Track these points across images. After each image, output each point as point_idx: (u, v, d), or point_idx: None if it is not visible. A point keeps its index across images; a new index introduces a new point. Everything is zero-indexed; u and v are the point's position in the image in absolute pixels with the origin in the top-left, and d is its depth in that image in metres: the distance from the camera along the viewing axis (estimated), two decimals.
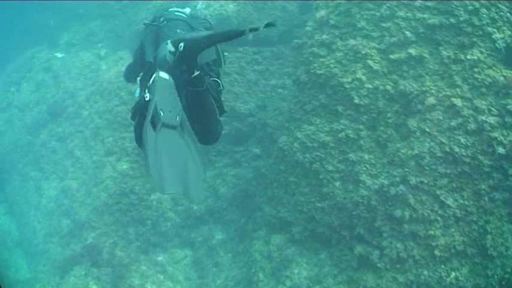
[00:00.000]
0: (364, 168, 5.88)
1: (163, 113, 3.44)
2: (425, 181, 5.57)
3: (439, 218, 5.53)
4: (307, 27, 6.71)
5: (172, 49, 3.62)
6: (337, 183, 6.06)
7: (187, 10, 5.16)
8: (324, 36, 6.36)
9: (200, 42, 3.54)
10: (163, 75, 3.76)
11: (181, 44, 3.52)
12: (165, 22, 4.63)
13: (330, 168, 6.07)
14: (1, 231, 12.04)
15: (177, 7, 5.20)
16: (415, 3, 5.88)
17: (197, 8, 8.65)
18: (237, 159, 8.38)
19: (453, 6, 5.67)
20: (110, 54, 11.83)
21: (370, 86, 5.86)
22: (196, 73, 3.66)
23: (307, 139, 6.26)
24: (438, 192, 5.53)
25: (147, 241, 8.66)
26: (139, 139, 3.83)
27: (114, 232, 8.78)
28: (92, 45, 12.53)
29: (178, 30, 4.46)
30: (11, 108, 13.20)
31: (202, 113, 3.87)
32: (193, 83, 3.71)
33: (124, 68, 5.05)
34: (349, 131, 5.96)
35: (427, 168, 5.57)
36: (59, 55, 13.07)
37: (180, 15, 4.76)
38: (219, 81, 4.21)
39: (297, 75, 6.63)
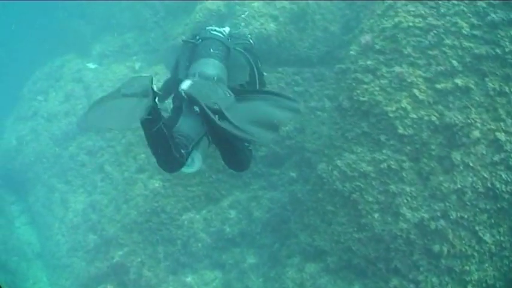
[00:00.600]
0: (405, 201, 6.10)
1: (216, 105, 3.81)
2: (466, 216, 5.79)
3: (475, 254, 5.75)
4: (351, 52, 6.93)
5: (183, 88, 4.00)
6: (376, 215, 6.30)
7: (227, 29, 5.44)
8: (369, 62, 6.56)
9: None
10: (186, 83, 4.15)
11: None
12: (200, 41, 4.97)
13: (370, 199, 6.31)
14: (21, 241, 12.46)
15: (216, 26, 5.54)
16: (462, 31, 6.08)
17: (243, 16, 8.96)
18: (273, 182, 8.68)
19: (499, 36, 5.88)
20: (144, 68, 12.18)
21: (415, 116, 6.07)
22: (213, 115, 3.88)
23: (347, 168, 6.50)
24: (477, 227, 5.75)
25: (177, 261, 8.97)
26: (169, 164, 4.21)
27: (143, 250, 9.10)
28: (125, 58, 12.94)
29: (211, 50, 4.80)
30: (37, 117, 13.57)
31: (224, 144, 4.17)
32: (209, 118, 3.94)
33: (160, 84, 5.34)
34: (392, 162, 6.18)
35: (468, 203, 5.78)
36: (91, 66, 13.46)
37: (216, 35, 5.04)
38: None
39: (339, 101, 6.85)
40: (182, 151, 4.27)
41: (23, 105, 14.30)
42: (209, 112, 3.84)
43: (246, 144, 4.38)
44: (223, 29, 5.43)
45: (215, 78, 4.48)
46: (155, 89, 3.95)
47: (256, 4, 9.23)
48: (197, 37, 5.16)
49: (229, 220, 8.78)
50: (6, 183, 13.76)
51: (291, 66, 9.09)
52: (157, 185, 9.20)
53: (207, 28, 5.31)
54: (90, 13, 14.18)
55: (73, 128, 12.14)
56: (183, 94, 4.03)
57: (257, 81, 5.18)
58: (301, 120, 8.72)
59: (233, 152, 4.28)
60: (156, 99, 3.95)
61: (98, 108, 3.89)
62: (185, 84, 4.17)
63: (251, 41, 5.77)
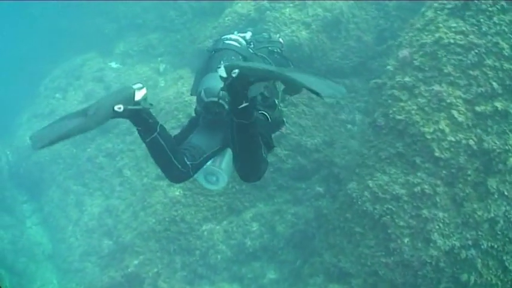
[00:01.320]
0: (437, 227, 6.15)
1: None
2: (496, 246, 5.87)
3: (499, 283, 5.85)
4: (389, 67, 6.99)
5: (224, 75, 3.62)
6: (406, 240, 6.35)
7: (247, 35, 5.21)
8: (407, 79, 6.60)
9: (257, 72, 3.61)
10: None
11: (236, 71, 3.53)
12: (213, 52, 4.73)
13: (401, 223, 6.36)
14: (31, 242, 12.68)
15: (238, 31, 5.36)
16: (504, 52, 6.13)
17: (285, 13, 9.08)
18: (298, 196, 8.77)
19: None
20: (169, 71, 12.40)
21: (452, 139, 6.14)
22: (244, 104, 3.70)
23: (379, 189, 6.56)
24: (504, 257, 5.84)
25: (194, 272, 9.09)
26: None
27: (159, 259, 9.24)
28: (150, 59, 13.14)
29: (222, 63, 4.27)
30: (54, 116, 13.48)
31: (246, 147, 3.97)
32: (239, 114, 3.78)
33: (184, 89, 5.26)
34: (426, 186, 6.22)
35: (499, 232, 5.87)
36: (114, 65, 13.69)
37: (229, 44, 4.77)
38: (267, 115, 4.41)
39: (373, 118, 6.93)
40: (188, 162, 4.17)
41: (40, 103, 14.52)
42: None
43: (264, 154, 4.32)
44: (244, 34, 5.23)
45: (221, 93, 4.14)
46: (141, 97, 3.81)
47: (287, 10, 9.38)
48: (211, 49, 4.91)
49: (251, 233, 8.89)
50: (18, 182, 13.97)
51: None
52: (177, 193, 9.34)
53: (222, 37, 5.05)
54: (114, 11, 14.34)
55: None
56: (226, 76, 3.94)
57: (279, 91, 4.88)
58: (331, 133, 8.83)
59: (250, 155, 4.10)
60: (143, 106, 3.83)
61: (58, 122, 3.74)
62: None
63: (280, 40, 5.56)
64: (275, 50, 5.20)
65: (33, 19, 15.68)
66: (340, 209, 7.31)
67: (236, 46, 4.71)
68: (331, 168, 8.59)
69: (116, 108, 3.58)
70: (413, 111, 6.43)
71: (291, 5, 9.50)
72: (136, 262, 9.37)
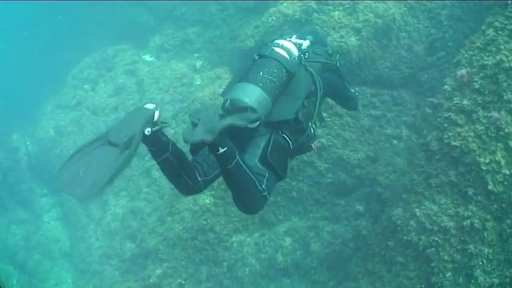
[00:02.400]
0: (480, 263, 6.21)
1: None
2: None
3: None
4: (446, 86, 6.95)
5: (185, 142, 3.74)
6: (448, 274, 6.40)
7: (305, 43, 5.06)
8: (465, 102, 6.57)
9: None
10: None
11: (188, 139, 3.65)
12: (258, 57, 4.62)
13: (445, 257, 6.39)
14: (48, 238, 13.08)
15: (296, 34, 5.26)
16: None
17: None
18: (336, 213, 8.85)
19: None
20: (206, 69, 12.51)
21: (507, 172, 6.17)
22: (222, 150, 3.77)
23: (427, 219, 6.56)
24: None
25: (220, 284, 9.24)
26: None
27: (184, 268, 9.40)
28: (186, 54, 13.29)
29: (261, 74, 4.38)
30: (81, 108, 14.09)
31: (234, 186, 4.10)
32: (219, 158, 3.86)
33: (221, 90, 5.02)
34: (476, 220, 6.26)
35: None
36: (148, 58, 13.91)
37: (277, 54, 4.59)
38: (289, 141, 4.41)
39: (426, 141, 6.93)
40: (199, 179, 4.24)
41: (66, 93, 14.85)
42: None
43: (260, 188, 4.07)
44: (301, 41, 5.08)
45: (249, 108, 4.09)
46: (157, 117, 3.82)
47: (336, 13, 9.45)
48: (257, 53, 4.76)
49: (283, 248, 9.00)
50: (38, 174, 14.36)
51: (369, 87, 9.29)
52: (208, 201, 9.46)
53: (275, 41, 4.89)
54: (152, 1, 14.49)
55: None
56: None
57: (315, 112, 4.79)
58: (375, 148, 8.90)
59: (240, 192, 4.15)
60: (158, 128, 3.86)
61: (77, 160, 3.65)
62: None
63: (337, 60, 5.31)
64: (331, 67, 5.12)
65: (65, 4, 15.84)
66: (382, 235, 7.34)
67: (283, 58, 4.56)
68: (373, 187, 8.63)
69: (146, 132, 3.66)
70: (470, 139, 6.43)
71: (340, 8, 9.55)
72: (159, 272, 9.55)
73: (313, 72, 4.76)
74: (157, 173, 10.99)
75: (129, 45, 14.65)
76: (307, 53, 4.93)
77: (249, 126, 4.09)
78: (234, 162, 3.86)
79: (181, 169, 4.11)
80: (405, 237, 6.74)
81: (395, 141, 8.96)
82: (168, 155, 3.98)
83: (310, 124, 4.66)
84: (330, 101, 5.87)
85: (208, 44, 13.02)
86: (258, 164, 4.24)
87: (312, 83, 4.74)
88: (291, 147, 4.44)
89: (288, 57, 4.61)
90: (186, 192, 4.31)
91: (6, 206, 13.55)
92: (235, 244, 9.28)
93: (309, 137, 4.70)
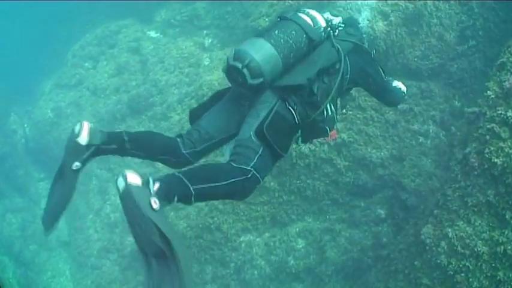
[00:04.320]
0: None
1: None
2: None
3: None
4: (489, 92, 6.47)
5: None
6: None
7: (336, 20, 4.77)
8: (509, 113, 6.14)
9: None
10: None
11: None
12: (279, 20, 4.45)
13: (475, 284, 6.08)
14: None
15: (328, 13, 4.91)
16: None
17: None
18: (355, 216, 8.47)
19: None
20: (215, 47, 12.09)
21: None
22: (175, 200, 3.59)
23: (459, 242, 6.23)
24: None
25: (226, 286, 9.05)
26: None
27: None
28: (195, 31, 12.84)
29: (276, 32, 4.19)
30: (81, 88, 13.83)
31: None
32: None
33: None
34: (509, 247, 5.95)
35: None
36: (153, 34, 13.52)
37: (300, 18, 4.36)
38: (295, 115, 4.13)
39: (464, 154, 6.53)
40: (184, 151, 4.15)
41: (66, 72, 14.59)
42: None
43: (247, 168, 3.84)
44: (330, 16, 4.76)
45: (249, 63, 3.89)
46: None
47: None
48: (279, 15, 4.56)
49: (296, 251, 8.71)
50: (35, 158, 14.22)
51: (396, 78, 8.71)
52: None
53: (302, 9, 4.59)
54: None
55: (123, 108, 12.22)
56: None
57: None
58: (400, 146, 8.45)
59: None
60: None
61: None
62: None
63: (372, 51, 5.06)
64: (365, 51, 4.84)
65: None
66: (407, 251, 7.01)
67: (306, 23, 4.30)
68: (396, 190, 8.22)
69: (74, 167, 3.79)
70: None
71: None
72: None
73: (340, 49, 4.42)
74: (160, 164, 10.66)
75: (134, 19, 14.33)
76: (337, 30, 4.67)
77: (250, 82, 3.91)
78: (193, 199, 3.61)
79: (151, 153, 4.21)
80: (434, 259, 6.40)
81: (421, 139, 8.44)
82: (128, 150, 4.05)
83: (326, 103, 4.29)
84: (354, 92, 5.47)
85: (218, 20, 12.49)
86: (253, 137, 3.97)
87: (337, 60, 4.41)
88: (297, 122, 4.12)
89: (311, 24, 4.36)
90: (173, 167, 4.25)
91: (2, 193, 13.46)
92: (243, 244, 9.04)
93: (324, 118, 4.36)
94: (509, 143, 6.09)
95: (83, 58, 14.36)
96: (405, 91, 5.31)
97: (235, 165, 3.83)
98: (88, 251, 11.53)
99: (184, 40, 12.71)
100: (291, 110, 4.09)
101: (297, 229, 8.83)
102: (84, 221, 12.10)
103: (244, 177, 3.77)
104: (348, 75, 4.56)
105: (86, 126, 3.85)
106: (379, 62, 5.02)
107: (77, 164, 3.76)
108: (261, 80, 3.94)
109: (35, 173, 14.10)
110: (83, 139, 3.80)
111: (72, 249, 12.16)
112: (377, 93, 5.30)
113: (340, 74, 4.37)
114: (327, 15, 4.72)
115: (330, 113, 4.38)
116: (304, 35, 4.19)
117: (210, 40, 12.38)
